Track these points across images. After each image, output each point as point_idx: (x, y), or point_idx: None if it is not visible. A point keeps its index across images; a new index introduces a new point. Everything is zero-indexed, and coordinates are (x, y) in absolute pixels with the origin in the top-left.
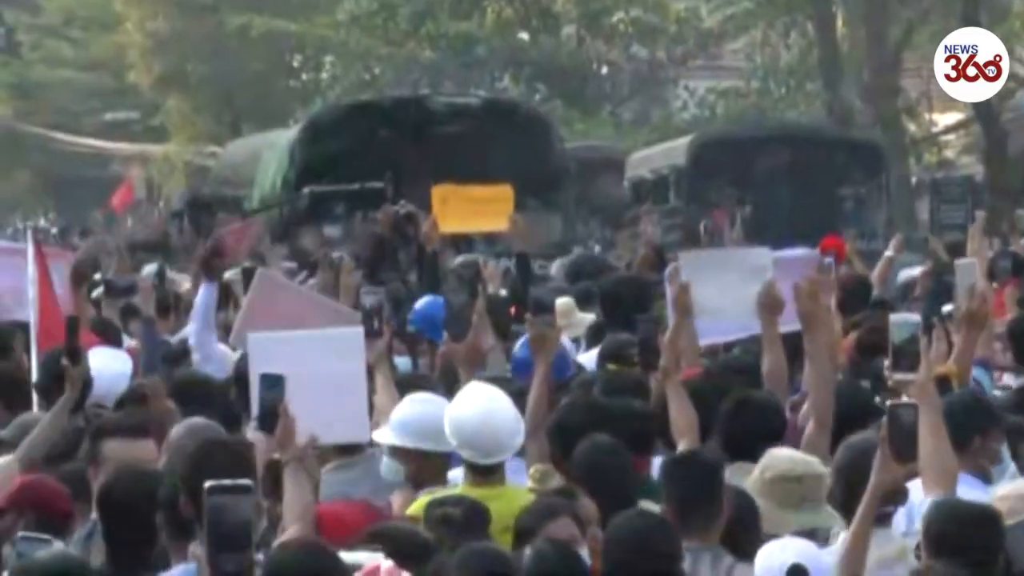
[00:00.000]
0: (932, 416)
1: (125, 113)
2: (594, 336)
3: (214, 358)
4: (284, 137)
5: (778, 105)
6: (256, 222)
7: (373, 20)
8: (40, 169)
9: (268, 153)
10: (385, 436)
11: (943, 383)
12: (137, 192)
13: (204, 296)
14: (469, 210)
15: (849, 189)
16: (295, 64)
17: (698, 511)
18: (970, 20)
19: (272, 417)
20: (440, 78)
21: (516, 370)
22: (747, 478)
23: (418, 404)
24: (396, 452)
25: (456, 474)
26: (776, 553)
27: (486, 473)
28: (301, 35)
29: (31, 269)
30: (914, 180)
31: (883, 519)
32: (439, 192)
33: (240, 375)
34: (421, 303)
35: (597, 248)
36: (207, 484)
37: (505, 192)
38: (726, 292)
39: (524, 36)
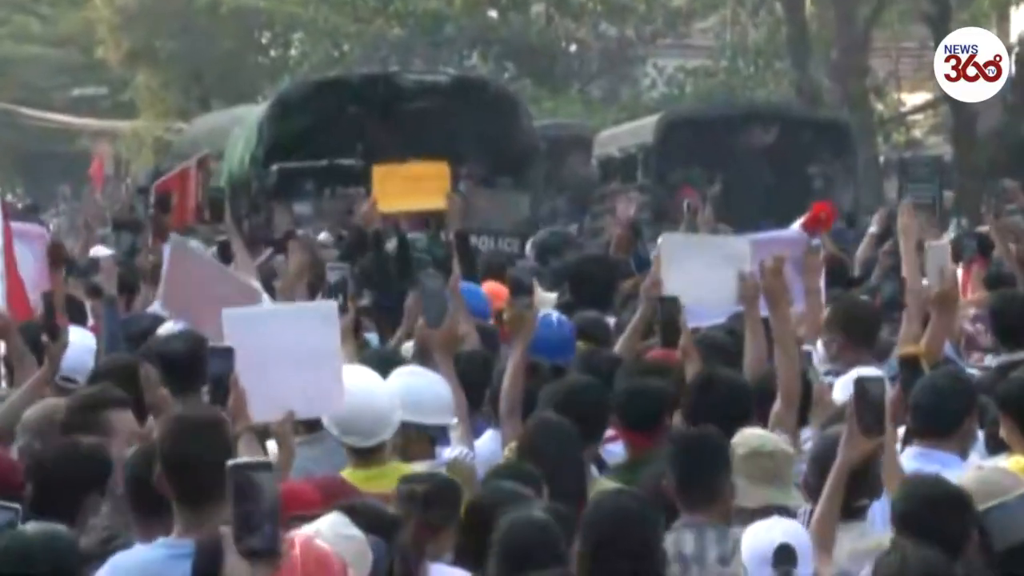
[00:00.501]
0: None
1: (94, 89)
2: (563, 314)
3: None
4: (252, 113)
5: (747, 84)
6: (190, 166)
7: None
8: (8, 144)
9: (236, 130)
10: None
11: (915, 364)
12: (106, 168)
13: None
14: (407, 188)
15: (817, 168)
16: (264, 41)
17: (702, 486)
18: (939, 0)
19: (223, 389)
20: (409, 56)
21: None
22: None
23: (406, 376)
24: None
25: (446, 452)
26: (763, 533)
27: (368, 455)
28: (270, 12)
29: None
30: (882, 159)
31: (858, 512)
32: (379, 172)
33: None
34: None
35: (573, 227)
36: (230, 464)
37: (441, 169)
38: (705, 277)
39: (493, 14)
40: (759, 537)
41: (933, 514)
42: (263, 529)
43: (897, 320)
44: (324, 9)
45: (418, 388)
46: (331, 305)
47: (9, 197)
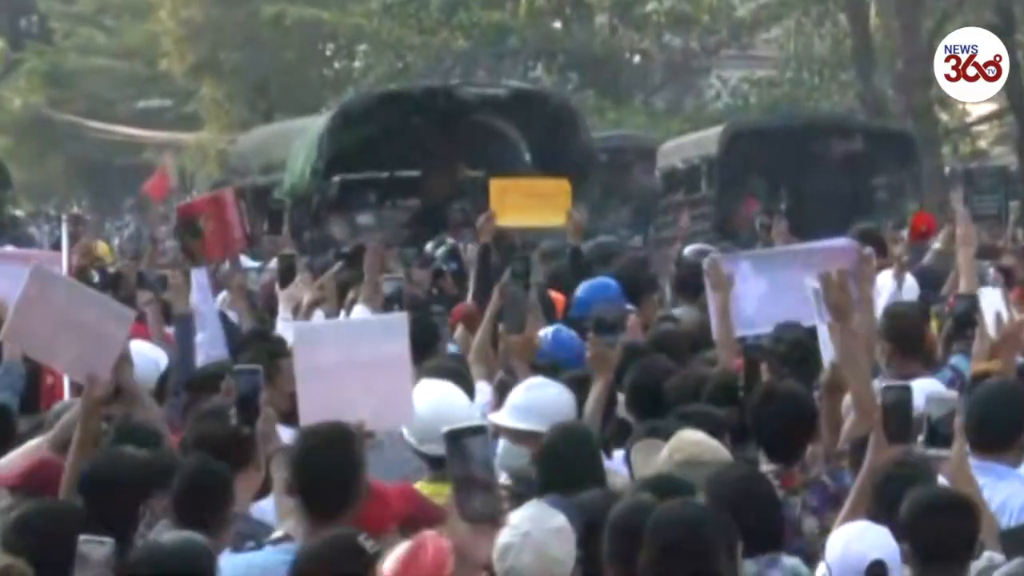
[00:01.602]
0: (969, 489)
1: (158, 101)
2: None
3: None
4: (304, 125)
5: (811, 95)
6: (226, 191)
7: (406, 9)
8: (73, 157)
9: (297, 142)
10: (505, 419)
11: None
12: (171, 180)
13: (196, 283)
14: (527, 203)
15: (881, 179)
16: (328, 53)
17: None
18: (1004, 11)
19: (251, 411)
20: (472, 67)
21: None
22: (655, 455)
23: (537, 388)
24: (520, 436)
25: None
26: (855, 542)
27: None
28: (335, 24)
29: (65, 260)
30: (947, 170)
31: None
32: (497, 185)
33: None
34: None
35: (636, 238)
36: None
37: (563, 186)
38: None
39: (557, 25)
40: (851, 545)
41: (940, 521)
42: (485, 492)
43: (969, 338)
44: (388, 21)
45: (551, 399)
46: (402, 317)
47: (75, 209)
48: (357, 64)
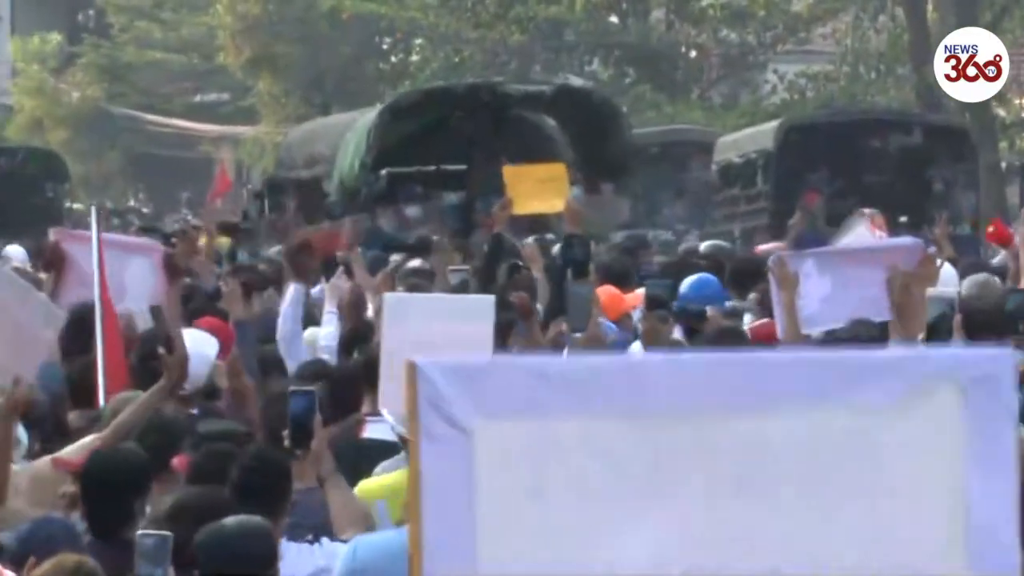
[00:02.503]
0: None
1: (215, 95)
2: None
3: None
4: (362, 120)
5: (868, 89)
6: (344, 225)
7: (463, 3)
8: (130, 150)
9: (348, 135)
10: None
11: None
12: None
13: (291, 297)
14: (536, 190)
15: (938, 174)
16: (385, 47)
17: None
18: None
19: (304, 434)
20: (529, 62)
21: None
22: None
23: None
24: None
25: None
26: None
27: None
28: (391, 18)
29: (94, 252)
30: (1004, 165)
31: None
32: (509, 172)
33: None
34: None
35: (693, 233)
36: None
37: (560, 170)
38: (835, 288)
39: (614, 20)
40: None
41: None
42: None
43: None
44: (445, 15)
45: None
46: (489, 299)
47: (131, 203)
48: (413, 58)
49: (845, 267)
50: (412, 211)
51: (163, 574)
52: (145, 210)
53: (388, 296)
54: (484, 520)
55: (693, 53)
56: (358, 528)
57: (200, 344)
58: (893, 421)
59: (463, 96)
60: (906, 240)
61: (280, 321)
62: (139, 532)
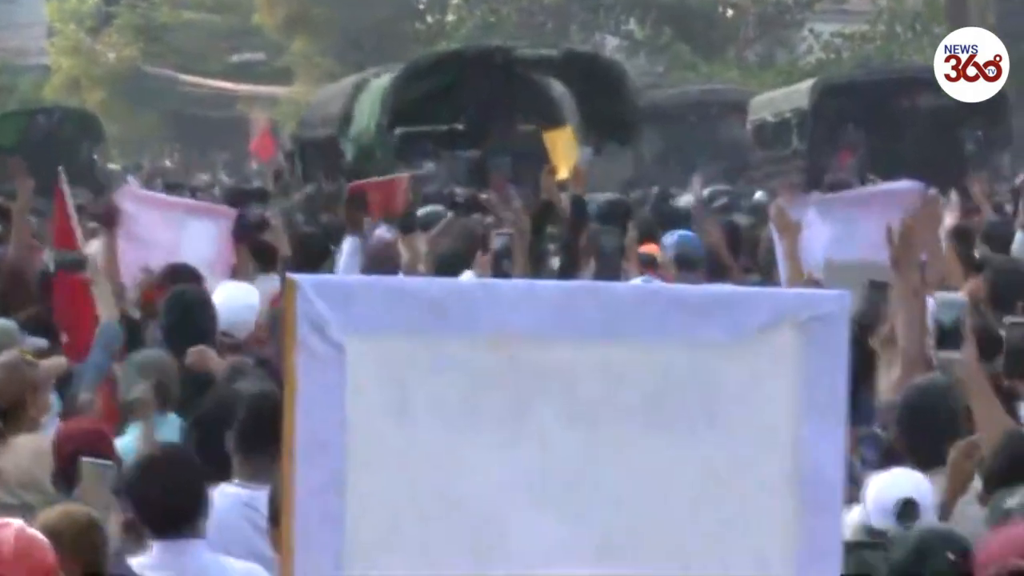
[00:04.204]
0: (981, 389)
1: (251, 54)
2: None
3: None
4: (376, 83)
5: (904, 49)
6: (402, 179)
7: None
8: (166, 111)
9: (363, 96)
10: None
11: None
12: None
13: (348, 248)
14: (567, 154)
15: (972, 133)
16: (421, 7)
17: None
18: None
19: None
20: (566, 21)
21: None
22: None
23: None
24: None
25: None
26: (889, 483)
27: None
28: None
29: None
30: None
31: None
32: (548, 138)
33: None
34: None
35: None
36: None
37: (568, 134)
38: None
39: None
40: (884, 488)
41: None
42: None
43: None
44: None
45: None
46: None
47: (167, 163)
48: (450, 18)
49: (849, 211)
50: (425, 169)
51: (106, 503)
52: (168, 163)
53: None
54: (353, 437)
55: (730, 12)
56: None
57: (243, 294)
58: (733, 357)
59: (475, 59)
60: (903, 183)
61: (341, 273)
62: (82, 459)
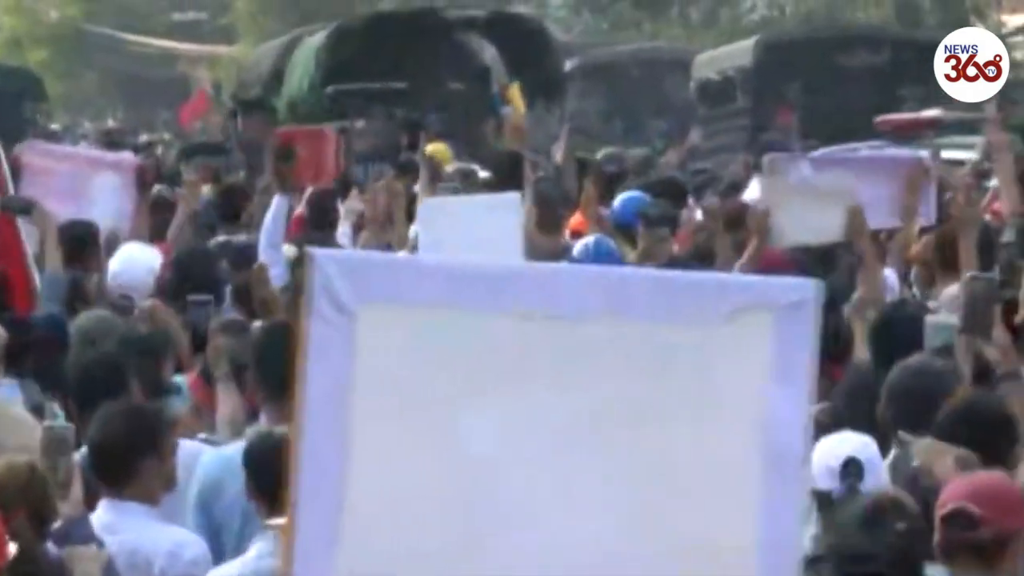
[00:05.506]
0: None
1: (193, 14)
2: None
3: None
4: (308, 42)
5: (848, 6)
6: (330, 134)
7: None
8: (108, 70)
9: (296, 54)
10: None
11: None
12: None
13: (275, 208)
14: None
15: (911, 91)
16: None
17: None
18: None
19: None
20: None
21: None
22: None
23: None
24: None
25: None
26: (833, 445)
27: None
28: None
29: None
30: None
31: None
32: (514, 93)
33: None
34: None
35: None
36: None
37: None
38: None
39: None
40: (828, 449)
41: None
42: None
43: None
44: None
45: None
46: (515, 195)
47: (110, 122)
48: None
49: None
50: (359, 124)
51: (67, 463)
52: (111, 122)
53: (425, 202)
54: (359, 403)
55: None
56: (228, 432)
57: (142, 255)
58: (708, 340)
59: (406, 20)
60: (899, 152)
61: (261, 238)
62: (44, 424)
